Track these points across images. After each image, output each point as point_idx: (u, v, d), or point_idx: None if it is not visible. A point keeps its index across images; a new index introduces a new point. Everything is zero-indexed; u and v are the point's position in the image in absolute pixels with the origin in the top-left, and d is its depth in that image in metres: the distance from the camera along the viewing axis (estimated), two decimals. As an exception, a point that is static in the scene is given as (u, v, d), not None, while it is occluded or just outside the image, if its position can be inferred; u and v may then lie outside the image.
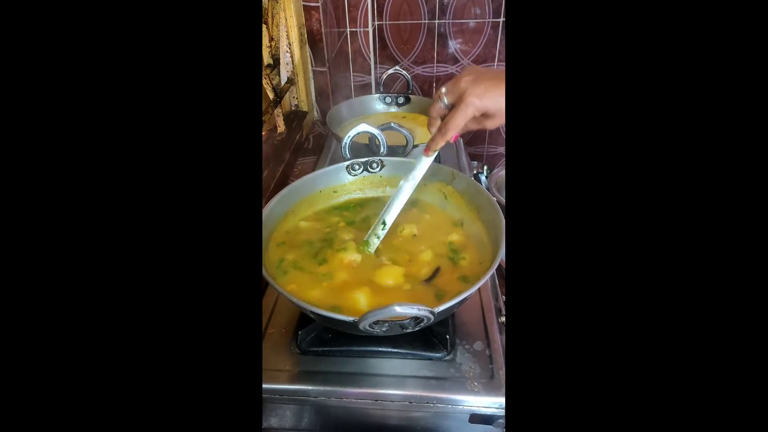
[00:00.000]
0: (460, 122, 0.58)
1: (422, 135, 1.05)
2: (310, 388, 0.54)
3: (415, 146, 0.86)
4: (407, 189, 0.64)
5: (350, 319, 0.45)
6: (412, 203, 0.68)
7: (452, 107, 0.58)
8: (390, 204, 0.64)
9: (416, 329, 0.48)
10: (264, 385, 0.55)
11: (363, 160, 0.73)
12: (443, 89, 0.59)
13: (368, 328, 0.45)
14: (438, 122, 0.61)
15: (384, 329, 0.46)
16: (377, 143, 0.79)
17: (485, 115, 0.58)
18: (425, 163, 0.63)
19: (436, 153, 0.63)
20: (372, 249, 0.63)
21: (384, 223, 0.64)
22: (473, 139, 1.84)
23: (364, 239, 0.64)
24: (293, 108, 1.21)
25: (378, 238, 0.64)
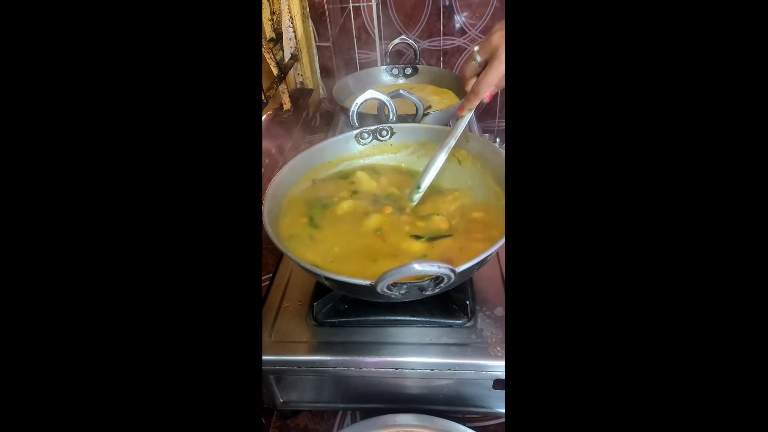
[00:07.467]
0: (493, 79, 0.55)
1: (432, 103, 1.02)
2: (328, 358, 0.53)
3: (425, 114, 0.83)
4: (443, 154, 0.63)
5: (367, 282, 0.43)
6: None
7: (485, 65, 0.56)
8: (426, 169, 0.63)
9: (435, 292, 0.46)
10: (282, 357, 0.54)
11: (372, 127, 0.71)
12: (476, 47, 0.57)
13: (386, 291, 0.43)
14: (472, 82, 0.58)
15: (402, 292, 0.44)
16: (386, 112, 0.76)
17: None
18: (461, 125, 0.62)
19: (471, 113, 0.62)
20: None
21: (419, 187, 0.64)
22: (484, 114, 1.80)
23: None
24: (298, 86, 1.19)
25: (412, 202, 0.64)
